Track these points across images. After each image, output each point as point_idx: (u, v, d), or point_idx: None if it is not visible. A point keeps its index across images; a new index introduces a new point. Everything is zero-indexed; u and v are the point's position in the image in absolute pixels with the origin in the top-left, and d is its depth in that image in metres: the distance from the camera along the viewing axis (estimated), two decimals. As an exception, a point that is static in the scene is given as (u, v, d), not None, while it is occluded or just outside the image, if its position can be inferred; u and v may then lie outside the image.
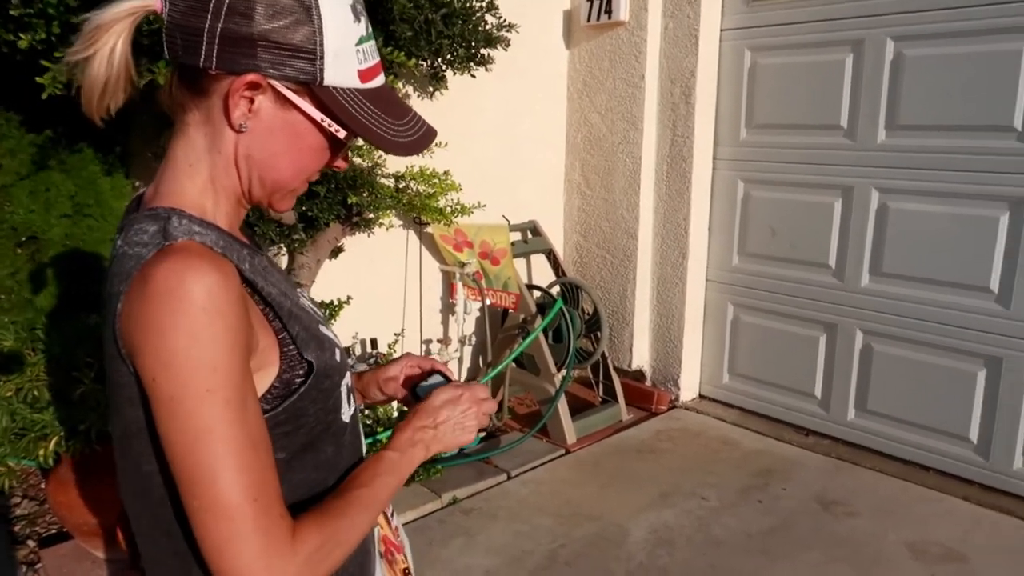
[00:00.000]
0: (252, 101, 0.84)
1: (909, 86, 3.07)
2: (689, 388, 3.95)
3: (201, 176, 0.88)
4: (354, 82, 0.87)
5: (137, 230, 0.83)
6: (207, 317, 0.75)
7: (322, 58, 0.83)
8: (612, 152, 3.89)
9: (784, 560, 2.62)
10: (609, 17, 3.73)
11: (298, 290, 1.01)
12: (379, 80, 0.91)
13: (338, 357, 0.96)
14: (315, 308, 1.03)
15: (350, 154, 2.96)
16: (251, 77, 0.82)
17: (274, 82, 0.83)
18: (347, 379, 0.99)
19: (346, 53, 0.85)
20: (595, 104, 3.94)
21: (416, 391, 1.17)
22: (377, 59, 0.90)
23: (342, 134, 0.87)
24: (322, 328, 0.96)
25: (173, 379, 0.75)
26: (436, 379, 1.18)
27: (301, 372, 0.89)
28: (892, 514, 2.89)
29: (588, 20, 3.83)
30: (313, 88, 0.85)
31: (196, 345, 0.75)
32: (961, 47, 2.91)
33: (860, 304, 3.33)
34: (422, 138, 0.92)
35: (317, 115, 0.86)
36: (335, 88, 0.85)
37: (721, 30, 3.61)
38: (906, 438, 3.27)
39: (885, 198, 3.20)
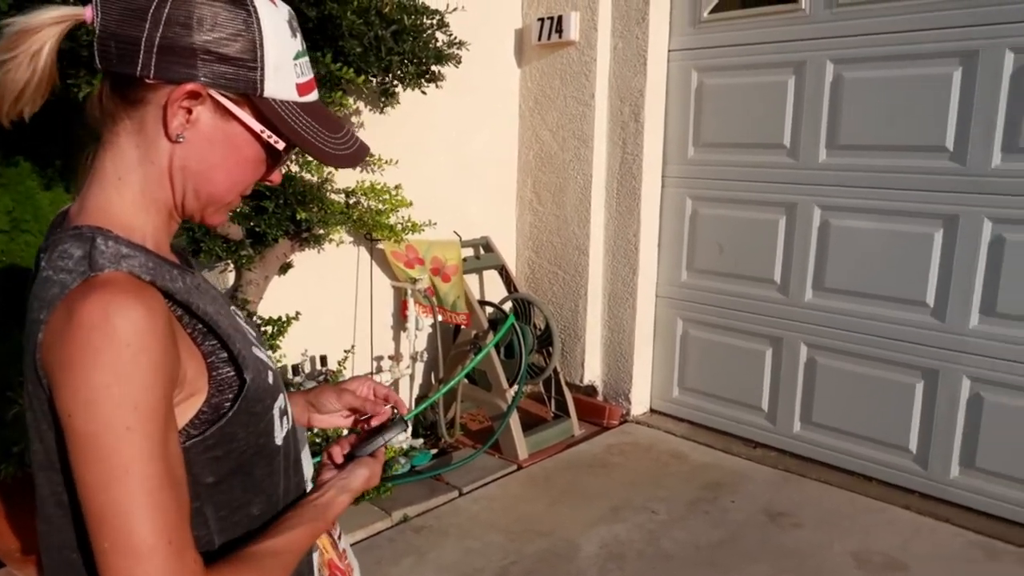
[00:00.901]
0: (190, 111, 0.83)
1: (848, 107, 3.17)
2: (640, 402, 3.99)
3: (131, 189, 0.86)
4: (292, 95, 0.87)
5: (61, 252, 0.81)
6: (131, 354, 0.74)
7: (262, 69, 0.84)
8: (563, 169, 3.93)
9: (733, 572, 2.65)
10: (560, 36, 3.78)
11: (232, 308, 1.00)
12: (314, 95, 0.92)
13: (271, 379, 0.94)
14: (250, 329, 1.01)
15: (299, 168, 2.93)
16: (191, 86, 0.82)
17: (214, 92, 0.83)
18: (280, 401, 0.97)
19: (285, 66, 0.86)
20: (546, 122, 3.98)
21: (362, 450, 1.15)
22: (312, 75, 0.91)
23: (281, 145, 0.88)
24: (255, 350, 0.94)
25: (93, 417, 0.73)
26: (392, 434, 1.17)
27: (231, 396, 0.87)
28: (836, 525, 2.95)
29: (539, 39, 3.88)
30: (252, 99, 0.85)
31: (119, 383, 0.73)
32: (896, 70, 3.02)
33: (804, 318, 3.41)
34: (358, 151, 0.93)
35: (257, 126, 0.86)
36: (274, 100, 0.86)
37: (669, 51, 3.69)
38: (849, 449, 3.34)
39: (827, 215, 3.29)
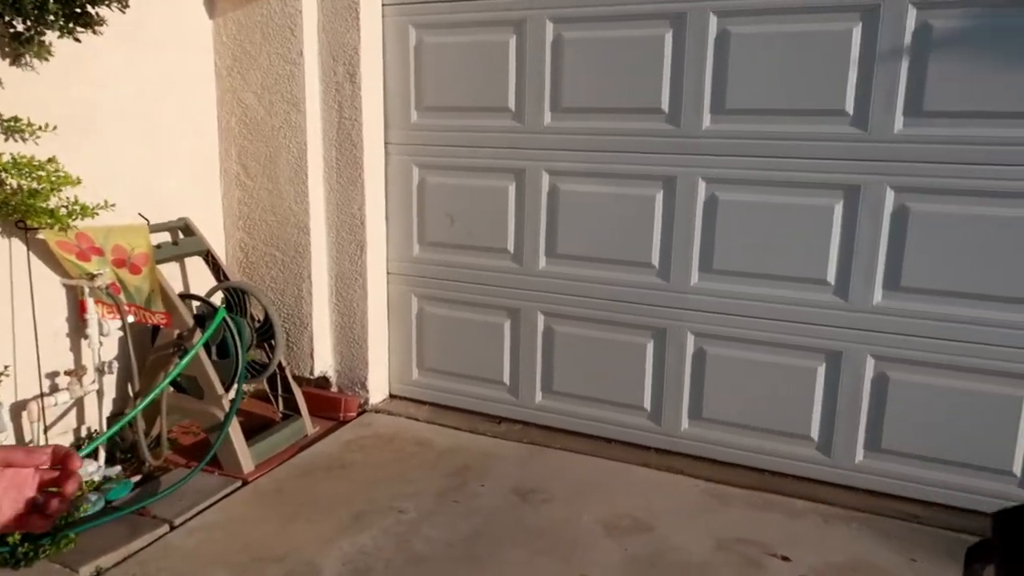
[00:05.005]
0: None
1: (570, 68, 3.09)
2: (378, 389, 3.70)
3: None
4: None
5: None
6: None
7: None
8: (273, 137, 3.46)
9: (489, 563, 2.48)
10: (256, -17, 3.28)
11: None
12: None
13: None
14: None
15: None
16: None
17: None
18: None
19: None
20: (249, 83, 3.47)
21: None
22: None
23: None
24: None
25: None
26: None
27: None
28: (584, 494, 2.91)
29: (232, -15, 3.34)
30: None
31: None
32: (612, 31, 2.99)
33: (539, 287, 3.33)
34: None
35: None
36: None
37: (383, 4, 3.36)
38: (589, 414, 3.35)
39: (555, 180, 3.22)
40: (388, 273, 3.64)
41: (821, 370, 2.92)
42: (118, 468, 2.93)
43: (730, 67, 2.83)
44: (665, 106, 2.97)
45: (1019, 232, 2.57)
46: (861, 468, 2.92)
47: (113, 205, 2.76)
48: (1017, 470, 2.71)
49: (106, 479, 2.85)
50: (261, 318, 3.28)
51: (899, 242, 2.73)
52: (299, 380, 3.54)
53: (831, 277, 2.83)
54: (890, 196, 2.72)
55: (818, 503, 2.85)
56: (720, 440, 3.12)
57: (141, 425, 2.99)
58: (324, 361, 3.65)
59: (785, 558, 2.52)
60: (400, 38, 3.38)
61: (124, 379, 3.19)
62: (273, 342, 3.27)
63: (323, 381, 3.66)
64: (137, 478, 2.92)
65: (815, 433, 2.96)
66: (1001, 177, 2.56)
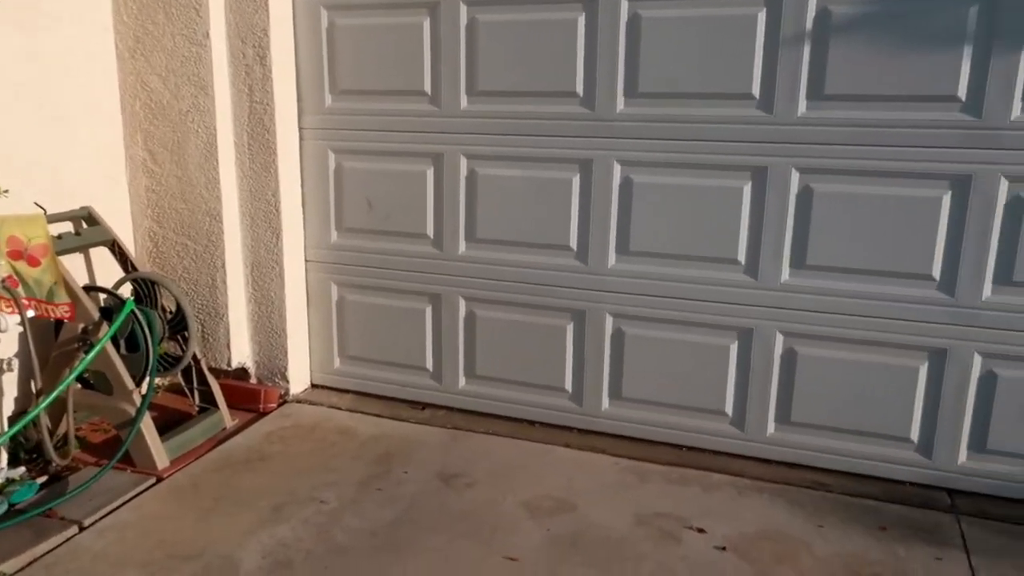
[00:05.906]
0: None
1: (485, 51, 3.08)
2: (299, 379, 3.63)
3: None
4: None
5: None
6: None
7: None
8: (180, 121, 3.34)
9: (410, 550, 2.48)
10: (157, -40, 3.15)
11: None
12: None
13: None
14: None
15: None
16: None
17: None
18: None
19: None
20: (153, 65, 3.33)
21: None
22: None
23: None
24: None
25: None
26: None
27: None
28: (506, 476, 2.94)
29: (131, -37, 3.20)
30: None
31: None
32: (525, 14, 2.99)
33: (460, 271, 3.33)
34: None
35: None
36: None
37: (292, -15, 3.28)
38: (512, 397, 3.37)
39: (473, 164, 3.20)
40: (306, 260, 3.57)
41: (734, 347, 3.00)
42: (22, 469, 2.80)
43: (642, 51, 2.87)
44: (580, 89, 2.98)
45: (915, 210, 2.69)
46: (773, 440, 3.02)
47: (6, 191, 2.63)
48: (915, 437, 2.85)
49: (9, 481, 2.72)
50: (173, 309, 3.18)
51: (804, 221, 2.82)
52: (216, 372, 3.45)
53: (741, 256, 2.91)
54: (795, 177, 2.80)
55: (733, 476, 2.95)
56: (639, 418, 3.19)
57: (46, 424, 2.86)
58: (242, 352, 3.56)
59: (701, 530, 2.60)
60: (311, 19, 3.30)
61: (26, 377, 3.05)
62: (186, 334, 3.17)
63: (242, 372, 3.57)
64: (43, 479, 2.80)
65: (729, 408, 3.05)
66: (898, 158, 2.67)
